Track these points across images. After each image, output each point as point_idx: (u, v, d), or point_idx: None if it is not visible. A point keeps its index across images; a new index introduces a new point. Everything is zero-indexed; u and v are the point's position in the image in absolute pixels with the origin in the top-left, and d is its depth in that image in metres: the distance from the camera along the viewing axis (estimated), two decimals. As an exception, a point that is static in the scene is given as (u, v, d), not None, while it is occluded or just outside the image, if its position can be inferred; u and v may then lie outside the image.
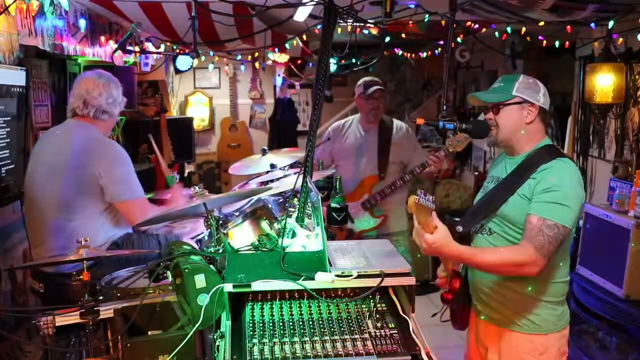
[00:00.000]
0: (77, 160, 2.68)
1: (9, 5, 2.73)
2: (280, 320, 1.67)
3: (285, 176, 2.99)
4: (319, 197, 2.03)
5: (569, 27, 4.10)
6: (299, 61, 6.56)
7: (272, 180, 2.99)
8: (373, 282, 1.72)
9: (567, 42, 4.86)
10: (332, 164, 4.05)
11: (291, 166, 3.22)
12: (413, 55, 6.82)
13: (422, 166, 3.79)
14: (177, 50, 4.77)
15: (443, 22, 4.01)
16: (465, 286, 2.33)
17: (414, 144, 4.15)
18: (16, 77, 2.98)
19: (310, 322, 1.67)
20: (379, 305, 1.75)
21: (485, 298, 2.29)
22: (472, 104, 2.40)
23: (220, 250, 2.24)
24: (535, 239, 2.05)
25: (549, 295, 2.21)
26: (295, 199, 2.62)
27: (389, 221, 4.01)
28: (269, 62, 6.49)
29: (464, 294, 2.33)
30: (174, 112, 7.23)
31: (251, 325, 1.65)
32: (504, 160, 2.35)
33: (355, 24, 4.09)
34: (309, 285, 1.71)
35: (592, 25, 4.03)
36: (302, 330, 1.63)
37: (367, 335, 1.63)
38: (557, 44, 4.74)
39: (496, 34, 4.62)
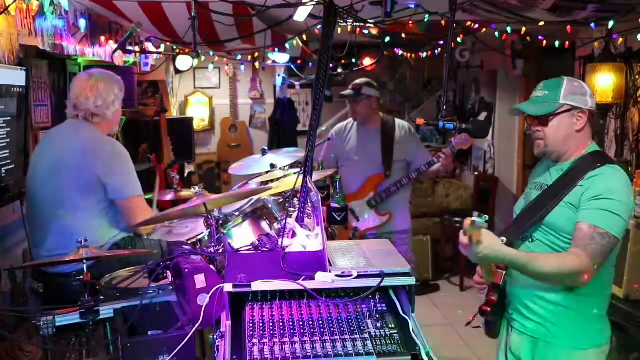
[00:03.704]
0: (77, 159, 2.68)
1: (9, 5, 2.73)
2: (280, 320, 1.67)
3: (285, 176, 2.99)
4: (319, 197, 2.03)
5: (569, 27, 4.10)
6: (299, 61, 6.55)
7: (272, 180, 2.99)
8: (373, 282, 1.72)
9: (567, 42, 4.86)
10: (335, 165, 4.08)
11: (291, 166, 3.23)
12: (413, 55, 6.82)
13: (428, 164, 3.83)
14: (177, 50, 4.78)
15: (443, 22, 4.01)
16: (503, 298, 2.24)
17: (417, 142, 4.18)
18: (16, 77, 2.97)
19: (310, 322, 1.67)
20: (379, 305, 1.75)
21: (523, 310, 2.20)
22: (516, 116, 2.29)
23: (220, 250, 2.25)
24: (588, 247, 1.95)
25: (590, 308, 2.11)
26: (295, 199, 2.62)
27: (393, 219, 4.05)
28: (269, 62, 6.49)
29: (500, 306, 2.24)
30: (174, 112, 7.22)
31: (251, 325, 1.65)
32: (548, 166, 2.24)
33: (355, 24, 4.10)
34: (309, 285, 1.71)
35: (592, 25, 4.03)
36: (302, 330, 1.63)
37: (367, 335, 1.62)
38: (557, 44, 4.75)
39: (496, 34, 4.63)
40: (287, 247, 2.11)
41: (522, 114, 2.21)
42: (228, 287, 1.67)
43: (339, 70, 5.68)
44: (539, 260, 2.00)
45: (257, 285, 1.68)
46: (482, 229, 1.87)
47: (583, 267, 1.94)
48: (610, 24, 3.83)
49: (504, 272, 2.15)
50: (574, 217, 2.04)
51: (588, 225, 1.98)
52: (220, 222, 2.44)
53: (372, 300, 1.75)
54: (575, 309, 2.10)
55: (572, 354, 2.10)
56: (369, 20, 3.95)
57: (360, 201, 3.99)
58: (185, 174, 6.69)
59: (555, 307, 2.12)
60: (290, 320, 1.67)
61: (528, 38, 4.80)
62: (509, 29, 4.42)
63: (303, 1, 3.22)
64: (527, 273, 2.01)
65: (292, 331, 1.63)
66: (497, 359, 2.37)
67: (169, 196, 3.37)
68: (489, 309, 2.17)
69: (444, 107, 2.53)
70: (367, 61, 6.23)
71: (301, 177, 2.47)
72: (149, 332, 1.99)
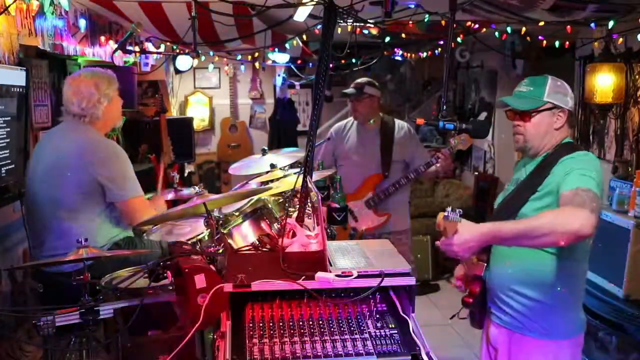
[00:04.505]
0: (75, 161, 2.68)
1: (9, 5, 2.73)
2: (281, 320, 1.67)
3: (285, 176, 2.99)
4: (319, 197, 2.03)
5: (569, 27, 4.10)
6: (299, 61, 6.55)
7: (272, 180, 2.99)
8: (373, 282, 1.72)
9: (567, 42, 4.86)
10: (334, 164, 4.08)
11: (291, 166, 3.22)
12: (413, 55, 6.82)
13: (427, 165, 3.83)
14: (177, 50, 4.78)
15: (443, 22, 4.02)
16: (485, 290, 2.29)
17: (416, 143, 4.19)
18: (16, 77, 2.98)
19: (310, 322, 1.67)
20: (379, 305, 1.75)
21: (500, 303, 2.25)
22: (499, 108, 2.35)
23: (220, 250, 2.24)
24: (573, 200, 1.89)
25: (563, 301, 2.15)
26: (296, 199, 2.62)
27: (392, 219, 4.05)
28: (269, 62, 6.50)
29: (483, 296, 2.29)
30: (174, 112, 7.22)
31: (251, 325, 1.65)
32: (525, 162, 2.31)
33: (355, 24, 4.10)
34: (309, 285, 1.71)
35: (592, 25, 4.03)
36: (302, 330, 1.63)
37: (367, 335, 1.63)
38: (557, 44, 4.75)
39: (496, 34, 4.62)
40: (287, 247, 2.11)
41: (506, 106, 2.25)
42: (228, 287, 1.67)
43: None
44: (524, 220, 1.96)
45: (257, 285, 1.68)
46: (457, 223, 1.84)
47: (574, 213, 1.83)
48: (610, 24, 3.83)
49: (485, 264, 2.22)
50: (547, 207, 2.07)
51: (569, 190, 1.95)
52: (220, 222, 2.44)
53: (372, 300, 1.75)
54: (548, 302, 2.15)
55: (545, 345, 2.16)
56: (369, 20, 3.95)
57: (359, 201, 3.99)
58: (185, 174, 6.69)
59: (529, 300, 2.17)
60: (290, 320, 1.67)
61: (528, 38, 4.80)
62: (509, 29, 4.42)
63: (303, 1, 3.22)
64: (516, 239, 1.90)
65: (292, 331, 1.63)
66: (481, 351, 2.42)
67: (169, 196, 3.37)
68: (471, 300, 2.24)
69: (444, 107, 2.53)
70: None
71: (301, 177, 2.47)
72: (149, 332, 1.99)
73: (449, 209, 1.84)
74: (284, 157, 3.28)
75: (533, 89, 2.19)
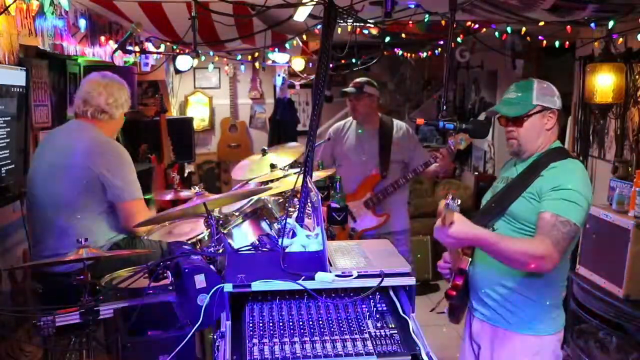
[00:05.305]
0: (78, 160, 2.68)
1: (9, 5, 2.73)
2: (280, 320, 1.67)
3: (285, 176, 2.99)
4: (319, 197, 2.03)
5: (569, 27, 4.10)
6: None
7: (272, 180, 2.99)
8: (373, 282, 1.72)
9: (567, 42, 4.86)
10: (333, 164, 4.08)
11: (291, 166, 3.23)
12: (413, 55, 6.82)
13: (425, 164, 3.83)
14: (177, 50, 4.78)
15: (443, 22, 4.02)
16: (468, 285, 2.34)
17: (415, 143, 4.18)
18: (16, 77, 2.98)
19: (310, 322, 1.67)
20: (379, 305, 1.75)
21: (483, 296, 2.30)
22: (491, 116, 2.40)
23: (220, 250, 2.24)
24: (550, 234, 2.05)
25: (546, 297, 2.22)
26: (295, 199, 2.62)
27: (391, 220, 4.04)
28: (269, 62, 6.50)
29: (465, 290, 2.34)
30: (174, 112, 7.22)
31: (251, 325, 1.65)
32: (515, 162, 2.36)
33: (355, 24, 4.10)
34: (309, 285, 1.71)
35: (592, 25, 4.03)
36: (302, 330, 1.63)
37: (367, 335, 1.62)
38: (557, 44, 4.74)
39: (496, 34, 4.62)
40: (287, 247, 2.10)
41: (497, 114, 2.31)
42: (228, 287, 1.67)
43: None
44: (508, 241, 2.09)
45: (257, 285, 1.68)
46: (455, 212, 1.95)
47: (547, 252, 2.03)
48: (610, 24, 3.82)
49: (470, 259, 2.26)
50: (534, 207, 2.14)
51: (550, 214, 2.08)
52: (220, 222, 2.44)
53: (372, 300, 1.75)
54: (530, 297, 2.20)
55: (527, 340, 2.22)
56: (369, 20, 3.95)
57: (358, 202, 3.99)
58: (185, 174, 6.69)
59: (513, 294, 2.22)
60: (290, 320, 1.67)
61: (528, 38, 4.80)
62: (509, 29, 4.42)
63: (303, 1, 3.23)
64: (494, 253, 2.08)
65: (292, 331, 1.63)
66: (462, 347, 2.45)
67: (169, 196, 3.37)
68: (454, 293, 2.29)
69: (444, 107, 2.54)
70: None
71: (301, 177, 2.47)
72: (149, 332, 1.99)
73: (450, 196, 1.93)
74: (284, 154, 3.29)
75: (521, 95, 2.24)
